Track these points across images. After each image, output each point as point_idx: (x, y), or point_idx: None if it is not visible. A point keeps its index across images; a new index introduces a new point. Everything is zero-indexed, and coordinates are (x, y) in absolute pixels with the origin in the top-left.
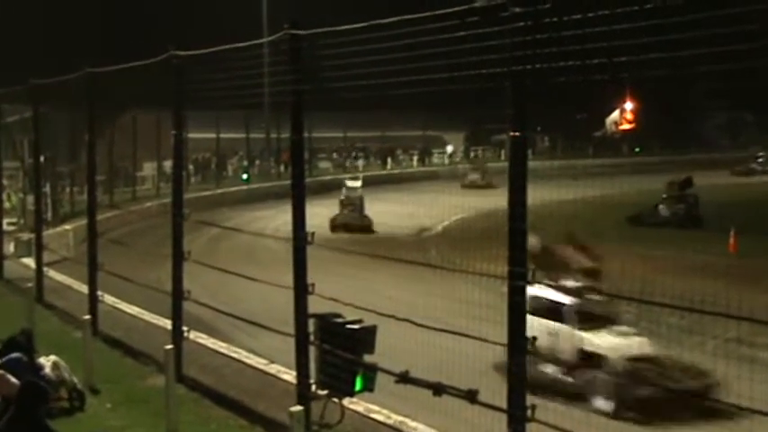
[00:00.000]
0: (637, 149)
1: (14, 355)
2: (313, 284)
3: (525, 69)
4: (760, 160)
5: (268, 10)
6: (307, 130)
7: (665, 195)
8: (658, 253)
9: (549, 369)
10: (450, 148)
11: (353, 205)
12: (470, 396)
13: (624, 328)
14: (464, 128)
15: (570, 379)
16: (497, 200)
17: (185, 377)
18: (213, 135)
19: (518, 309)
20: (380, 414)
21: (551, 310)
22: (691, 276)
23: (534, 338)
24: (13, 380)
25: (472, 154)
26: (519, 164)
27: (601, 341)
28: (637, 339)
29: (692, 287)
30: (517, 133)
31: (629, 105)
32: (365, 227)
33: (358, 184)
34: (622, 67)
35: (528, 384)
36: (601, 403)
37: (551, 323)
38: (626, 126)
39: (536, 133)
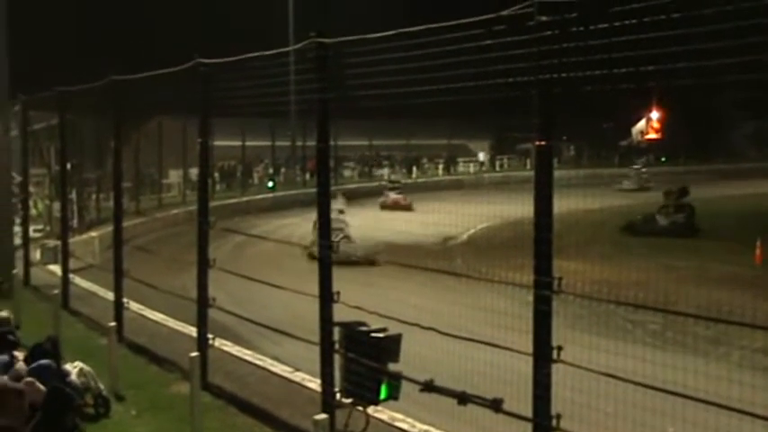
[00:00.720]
0: (663, 159)
1: (44, 361)
2: (338, 293)
3: (552, 78)
4: None
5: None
6: (332, 139)
7: (663, 204)
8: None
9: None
10: (482, 156)
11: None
12: (495, 405)
13: None
14: (489, 137)
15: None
16: (523, 209)
17: (210, 384)
18: (239, 143)
19: (543, 318)
20: (405, 423)
21: None
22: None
23: None
24: (42, 387)
25: (497, 163)
26: (545, 173)
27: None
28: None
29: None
30: (543, 143)
31: (655, 115)
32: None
33: (341, 205)
34: (649, 77)
35: None
36: None
37: None
38: (652, 135)
39: (562, 142)
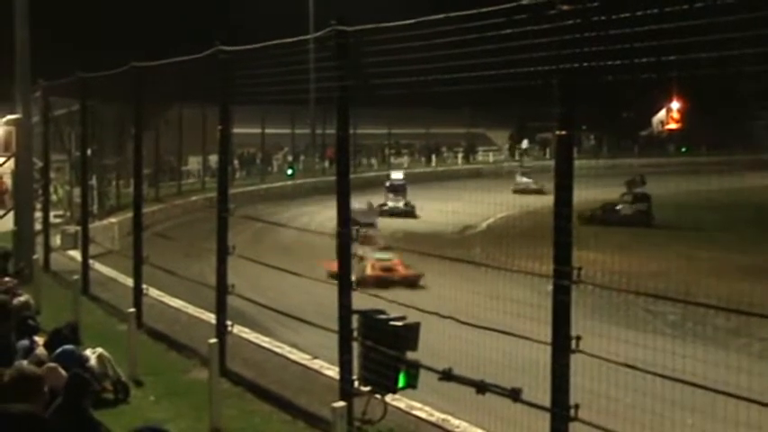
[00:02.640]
0: (683, 149)
1: (67, 347)
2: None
3: (573, 67)
4: None
5: (312, 7)
6: (352, 127)
7: (624, 194)
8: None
9: None
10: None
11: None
12: (514, 395)
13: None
14: (509, 126)
15: None
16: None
17: (228, 371)
18: (258, 130)
19: (563, 308)
20: (423, 411)
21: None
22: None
23: None
24: (63, 373)
25: (517, 153)
26: (565, 163)
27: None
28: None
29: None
30: (564, 132)
31: (675, 105)
32: None
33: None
34: (670, 66)
35: None
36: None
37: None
38: (672, 126)
39: (582, 132)
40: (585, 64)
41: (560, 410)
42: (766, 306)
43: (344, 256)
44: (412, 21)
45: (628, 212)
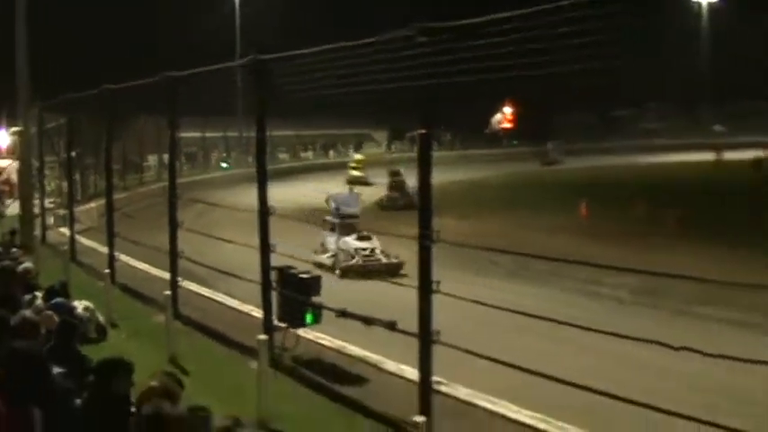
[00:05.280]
0: (514, 142)
1: (58, 299)
2: (275, 245)
3: (432, 84)
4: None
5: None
6: (269, 130)
7: (390, 183)
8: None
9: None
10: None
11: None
12: (390, 326)
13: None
14: (387, 127)
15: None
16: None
17: (180, 315)
18: (199, 134)
19: (427, 260)
20: (325, 340)
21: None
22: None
23: None
24: (56, 318)
25: (393, 147)
26: (426, 155)
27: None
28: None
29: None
30: (424, 131)
31: (507, 109)
32: None
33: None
34: (499, 84)
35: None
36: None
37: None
38: (507, 125)
39: (440, 130)
40: (439, 81)
41: (426, 336)
42: (565, 253)
43: (264, 227)
44: (311, 50)
45: (401, 203)
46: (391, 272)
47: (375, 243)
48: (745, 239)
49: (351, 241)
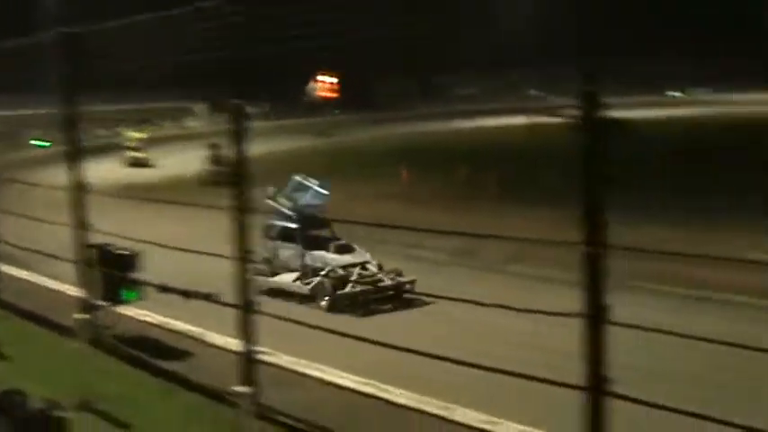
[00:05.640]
0: (336, 111)
1: None
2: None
3: (238, 53)
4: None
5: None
6: (88, 104)
7: (210, 156)
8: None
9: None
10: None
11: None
12: (208, 298)
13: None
14: (207, 100)
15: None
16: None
17: (1, 300)
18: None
19: (241, 232)
20: (148, 317)
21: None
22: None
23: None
24: None
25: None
26: (240, 125)
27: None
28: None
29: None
30: (237, 101)
31: (323, 78)
32: None
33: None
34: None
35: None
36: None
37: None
38: (328, 94)
39: (260, 102)
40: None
41: (246, 305)
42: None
43: (79, 204)
44: (121, 23)
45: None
46: (399, 294)
47: (365, 255)
48: (561, 201)
49: (329, 256)
